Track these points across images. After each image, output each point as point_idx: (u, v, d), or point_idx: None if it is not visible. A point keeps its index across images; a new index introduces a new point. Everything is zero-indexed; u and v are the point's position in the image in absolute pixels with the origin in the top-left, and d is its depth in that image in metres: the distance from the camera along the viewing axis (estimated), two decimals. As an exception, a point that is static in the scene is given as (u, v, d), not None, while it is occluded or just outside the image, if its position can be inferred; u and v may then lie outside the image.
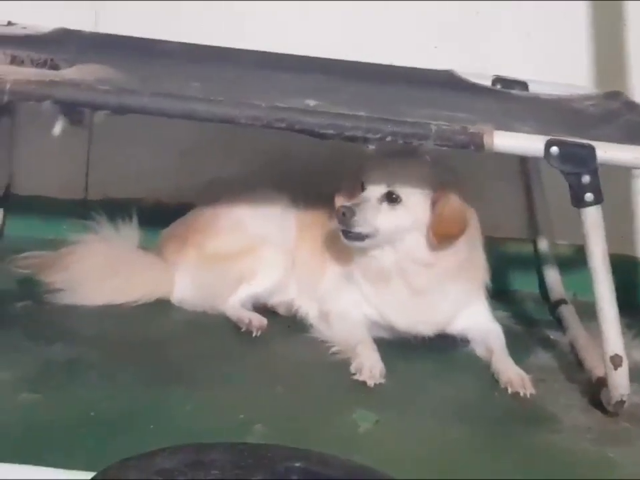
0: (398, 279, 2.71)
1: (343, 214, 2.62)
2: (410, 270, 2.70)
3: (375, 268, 2.72)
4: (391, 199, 2.67)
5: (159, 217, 3.03)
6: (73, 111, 2.41)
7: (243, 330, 2.74)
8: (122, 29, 3.06)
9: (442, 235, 2.66)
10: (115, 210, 2.98)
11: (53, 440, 2.13)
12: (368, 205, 2.65)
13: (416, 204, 2.68)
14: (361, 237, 2.65)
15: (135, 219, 2.93)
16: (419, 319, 2.73)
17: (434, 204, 2.67)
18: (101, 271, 2.78)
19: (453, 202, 2.66)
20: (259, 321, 2.77)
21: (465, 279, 2.75)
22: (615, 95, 2.99)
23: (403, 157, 2.67)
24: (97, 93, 2.38)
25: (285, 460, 1.88)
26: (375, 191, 2.68)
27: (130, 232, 2.92)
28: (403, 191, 2.67)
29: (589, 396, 2.57)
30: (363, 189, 2.70)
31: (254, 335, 2.73)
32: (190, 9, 3.14)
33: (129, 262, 2.85)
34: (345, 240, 2.66)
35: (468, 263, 2.74)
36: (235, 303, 2.82)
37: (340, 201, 2.72)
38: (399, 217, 2.67)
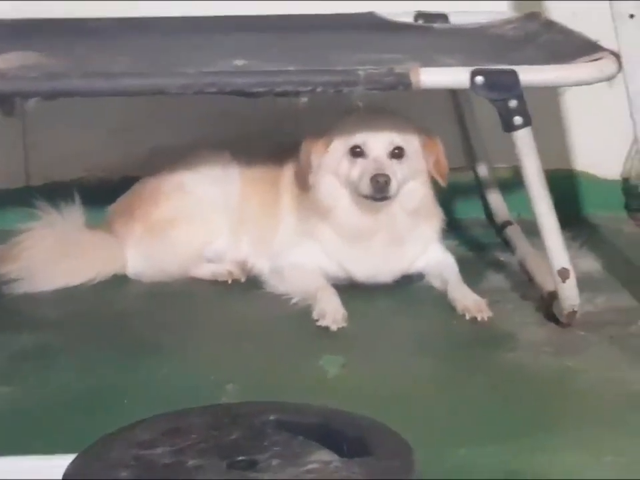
0: (383, 232, 2.76)
1: (379, 182, 2.63)
2: (400, 220, 2.76)
3: (362, 224, 2.75)
4: (396, 154, 2.71)
5: (103, 193, 3.05)
6: (3, 101, 2.42)
7: (229, 282, 2.85)
8: (40, 11, 3.06)
9: (445, 175, 2.76)
10: (59, 193, 2.98)
11: (32, 428, 2.16)
12: (387, 165, 2.68)
13: (415, 154, 2.74)
14: (387, 198, 2.69)
15: (77, 200, 2.93)
16: (384, 269, 2.79)
17: (425, 149, 2.75)
18: (53, 256, 2.81)
19: (440, 142, 2.77)
20: (235, 268, 2.86)
21: (429, 218, 2.82)
22: (533, 16, 3.04)
23: (376, 112, 2.71)
24: (26, 81, 2.39)
25: (260, 414, 1.92)
26: (380, 150, 2.70)
27: (75, 213, 2.92)
28: (405, 145, 2.72)
29: (542, 311, 2.65)
30: (359, 148, 2.70)
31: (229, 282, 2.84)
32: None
33: (78, 242, 2.87)
34: (373, 202, 2.69)
35: (431, 202, 2.82)
36: (200, 263, 2.88)
37: (316, 159, 2.73)
38: (406, 170, 2.72)
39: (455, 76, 2.47)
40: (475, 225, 3.24)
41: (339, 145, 2.74)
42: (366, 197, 2.68)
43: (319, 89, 2.44)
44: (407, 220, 2.77)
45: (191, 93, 2.43)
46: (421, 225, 2.80)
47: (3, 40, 2.80)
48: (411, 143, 2.74)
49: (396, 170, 2.69)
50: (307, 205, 2.80)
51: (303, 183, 2.77)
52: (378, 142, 2.71)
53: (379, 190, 2.65)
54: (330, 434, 1.86)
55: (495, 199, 3.24)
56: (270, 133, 3.00)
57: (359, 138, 2.71)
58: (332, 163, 2.74)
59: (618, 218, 3.27)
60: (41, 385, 2.34)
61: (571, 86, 2.53)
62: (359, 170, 2.70)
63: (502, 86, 2.43)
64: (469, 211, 3.29)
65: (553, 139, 3.28)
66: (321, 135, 2.76)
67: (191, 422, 1.90)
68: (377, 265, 2.79)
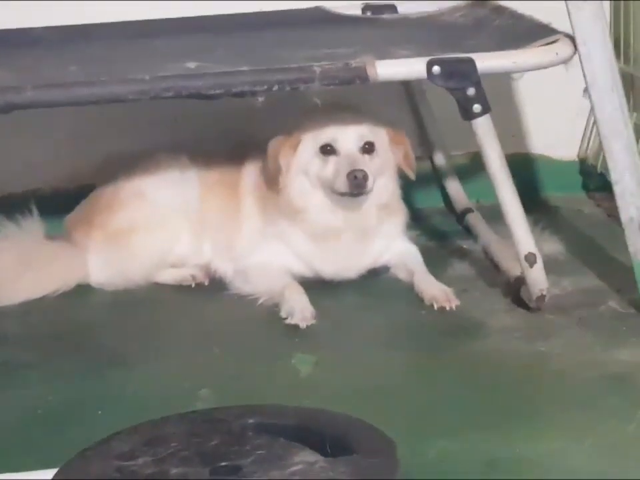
0: (353, 229, 2.75)
1: (357, 177, 2.61)
2: (370, 216, 2.75)
3: (334, 223, 2.72)
4: (367, 149, 2.70)
5: (60, 203, 3.02)
6: (-45, 116, 2.39)
7: (192, 286, 2.83)
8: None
9: (414, 169, 2.76)
10: (16, 205, 2.95)
11: (5, 444, 2.13)
12: (361, 160, 2.66)
13: (384, 148, 2.74)
14: (364, 194, 2.67)
15: (35, 211, 2.90)
16: (352, 265, 2.78)
17: (392, 143, 2.74)
18: (13, 269, 2.77)
19: (406, 136, 2.77)
20: (198, 271, 2.85)
21: (395, 213, 2.82)
22: (481, 3, 3.04)
23: (342, 109, 2.72)
24: (-23, 96, 2.36)
25: (238, 418, 1.91)
26: (352, 146, 2.68)
27: (33, 225, 2.89)
28: (375, 139, 2.71)
29: (510, 296, 2.65)
30: (330, 146, 2.68)
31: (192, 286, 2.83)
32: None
33: (37, 254, 2.83)
34: (349, 199, 2.68)
35: (397, 196, 2.82)
36: (162, 269, 2.86)
37: (286, 159, 2.70)
38: (377, 165, 2.71)
39: (412, 67, 2.47)
40: (435, 214, 3.25)
41: (308, 144, 2.72)
42: (342, 194, 2.67)
43: (275, 88, 2.43)
44: (376, 215, 2.76)
45: (147, 98, 2.41)
46: (387, 219, 2.80)
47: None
48: (380, 137, 2.74)
49: (368, 164, 2.68)
50: (272, 206, 2.78)
51: (273, 185, 2.74)
52: (349, 138, 2.69)
53: (356, 186, 2.63)
54: (311, 434, 1.86)
55: (454, 187, 3.25)
56: (226, 134, 2.98)
57: (328, 135, 2.70)
58: (302, 162, 2.72)
59: (577, 199, 3.30)
60: (10, 401, 2.31)
61: (529, 71, 2.53)
62: (332, 168, 2.68)
63: (459, 74, 2.43)
64: (428, 200, 3.29)
65: (508, 123, 3.29)
66: (287, 135, 2.74)
67: (169, 430, 1.89)
68: (345, 261, 2.78)
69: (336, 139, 2.69)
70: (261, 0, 3.13)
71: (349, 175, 2.63)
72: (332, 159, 2.69)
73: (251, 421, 1.91)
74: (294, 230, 2.77)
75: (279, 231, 2.78)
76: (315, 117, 2.71)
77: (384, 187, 2.75)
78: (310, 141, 2.72)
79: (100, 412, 2.23)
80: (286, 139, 2.73)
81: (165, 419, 1.94)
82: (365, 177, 2.63)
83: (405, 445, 1.86)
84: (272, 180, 2.74)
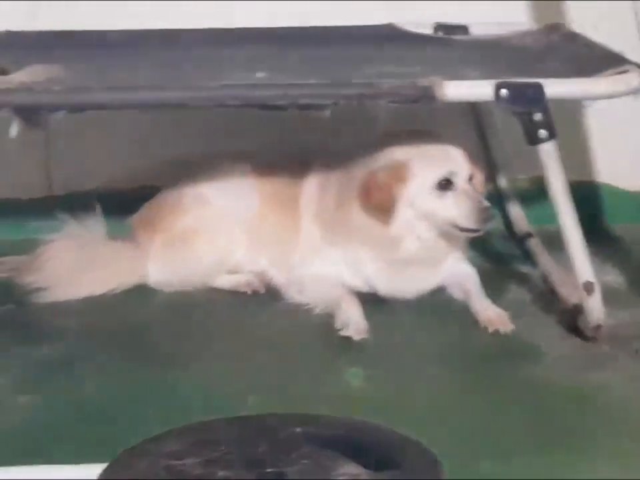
0: (431, 256, 2.74)
1: (488, 214, 2.61)
2: (450, 244, 2.74)
3: (427, 254, 2.71)
4: (470, 182, 2.68)
5: (124, 204, 3.05)
6: (29, 114, 2.44)
7: (248, 293, 2.85)
8: (62, 24, 3.07)
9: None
10: (81, 203, 2.99)
11: (58, 438, 2.17)
12: (476, 194, 2.64)
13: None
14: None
15: (99, 210, 2.94)
16: (414, 287, 2.78)
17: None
18: (75, 266, 2.82)
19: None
20: (254, 279, 2.87)
21: (454, 239, 2.79)
22: (554, 28, 3.04)
23: (433, 139, 2.71)
24: (53, 94, 2.40)
25: (286, 427, 1.93)
26: (465, 180, 2.65)
27: (97, 223, 2.93)
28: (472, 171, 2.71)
29: (566, 324, 2.64)
30: (446, 181, 2.64)
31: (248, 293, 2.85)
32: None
33: (100, 253, 2.88)
34: (469, 234, 2.69)
35: None
36: (220, 274, 2.89)
37: (397, 193, 2.62)
38: None
39: (479, 89, 2.47)
40: (495, 237, 3.22)
41: (424, 178, 2.65)
42: (465, 230, 2.65)
43: (341, 102, 2.44)
44: (449, 242, 2.76)
45: (213, 105, 2.44)
46: (453, 243, 2.79)
47: (26, 52, 2.81)
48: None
49: None
50: (338, 225, 2.76)
51: (387, 217, 2.66)
52: (464, 173, 2.66)
53: (484, 221, 2.62)
54: (356, 446, 1.87)
55: (515, 210, 3.24)
56: (291, 145, 3.00)
57: (445, 169, 2.65)
58: (412, 195, 2.66)
59: (641, 230, 3.27)
60: (64, 395, 2.34)
61: (597, 99, 2.52)
62: (453, 203, 2.64)
63: (527, 99, 2.42)
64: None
65: (575, 150, 3.27)
66: (392, 165, 2.67)
67: (218, 433, 1.92)
68: (409, 283, 2.78)
69: (454, 174, 2.66)
70: (333, 14, 3.15)
71: (480, 211, 2.61)
72: (450, 194, 2.66)
73: (298, 430, 1.92)
74: (368, 255, 2.75)
75: (349, 255, 2.76)
76: (422, 148, 2.68)
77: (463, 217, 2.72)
78: (425, 175, 2.66)
79: (151, 410, 2.26)
80: (395, 170, 2.66)
81: (215, 421, 1.97)
82: (492, 213, 2.62)
83: (450, 463, 1.87)
84: (385, 213, 2.66)
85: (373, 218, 2.68)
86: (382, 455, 1.84)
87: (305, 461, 1.83)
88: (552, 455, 2.10)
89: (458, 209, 2.64)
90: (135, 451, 1.86)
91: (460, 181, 2.66)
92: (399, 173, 2.66)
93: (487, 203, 2.62)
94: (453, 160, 2.68)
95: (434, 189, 2.66)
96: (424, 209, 2.67)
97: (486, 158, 3.26)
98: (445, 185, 2.66)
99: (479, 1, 3.21)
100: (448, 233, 2.70)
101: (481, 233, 2.68)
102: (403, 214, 2.68)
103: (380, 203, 2.66)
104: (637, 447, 2.14)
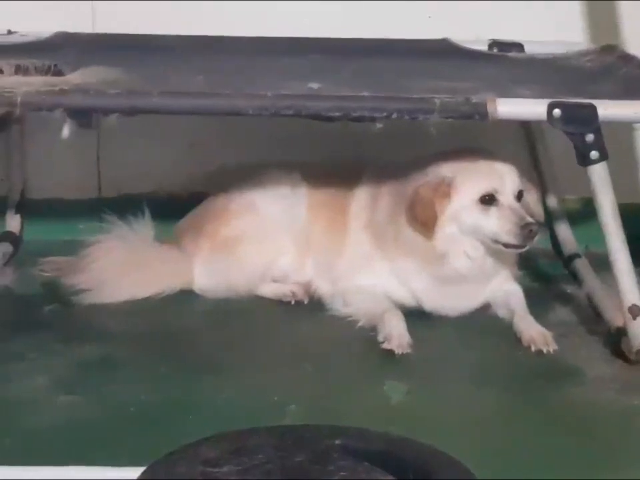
0: (479, 273, 2.73)
1: (533, 231, 2.60)
2: (497, 261, 2.74)
3: (472, 271, 2.71)
4: (518, 197, 2.68)
5: (173, 208, 3.08)
6: (82, 115, 2.46)
7: (292, 303, 2.85)
8: (120, 27, 3.10)
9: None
10: (129, 206, 3.02)
11: (96, 439, 2.19)
12: (521, 211, 2.63)
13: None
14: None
15: (147, 213, 2.96)
16: (460, 304, 2.77)
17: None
18: (120, 268, 2.84)
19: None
20: (298, 289, 2.87)
21: (508, 256, 2.79)
22: (610, 49, 3.02)
23: (480, 154, 2.71)
24: (107, 97, 2.43)
25: (325, 438, 1.92)
26: (511, 196, 2.65)
27: (145, 226, 2.95)
28: (522, 187, 2.70)
29: (610, 347, 2.62)
30: (490, 196, 2.64)
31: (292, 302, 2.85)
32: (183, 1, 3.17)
33: (146, 256, 2.90)
34: (513, 250, 2.68)
35: None
36: (265, 282, 2.90)
37: (438, 205, 2.63)
38: None
39: (532, 108, 2.46)
40: (541, 256, 3.21)
41: (466, 193, 2.66)
42: (509, 245, 2.64)
43: (394, 116, 2.44)
44: (497, 260, 2.75)
45: (267, 114, 2.44)
46: (502, 262, 2.78)
47: (82, 54, 2.84)
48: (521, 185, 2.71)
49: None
50: (389, 238, 2.76)
51: (429, 231, 2.67)
52: (508, 187, 2.66)
53: (527, 238, 2.61)
54: (394, 461, 1.86)
55: (563, 230, 3.22)
56: (342, 156, 3.01)
57: (489, 185, 2.65)
58: (456, 210, 2.67)
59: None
60: (105, 397, 2.36)
61: (649, 123, 2.51)
62: (496, 219, 2.64)
63: (580, 120, 2.41)
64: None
65: (626, 172, 3.25)
66: (438, 181, 2.67)
67: (256, 442, 1.91)
68: (456, 301, 2.77)
69: (497, 189, 2.65)
70: (389, 27, 3.15)
71: (523, 227, 2.60)
72: (493, 210, 2.65)
73: (337, 442, 1.92)
74: (416, 270, 2.75)
75: (397, 268, 2.77)
76: (466, 162, 2.69)
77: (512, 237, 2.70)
78: (469, 190, 2.66)
79: (190, 416, 2.27)
80: (439, 185, 2.67)
81: (253, 430, 1.96)
82: (538, 230, 2.61)
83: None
84: (426, 226, 2.67)
85: (418, 232, 2.68)
86: (419, 470, 1.83)
87: (343, 473, 1.82)
88: (591, 476, 2.08)
89: (500, 225, 2.63)
90: (173, 456, 1.86)
91: (504, 197, 2.65)
92: (442, 189, 2.66)
93: (530, 220, 2.61)
94: (497, 176, 2.67)
95: (477, 204, 2.66)
96: (468, 224, 2.67)
97: (536, 177, 3.25)
98: (489, 200, 2.65)
99: (536, 19, 3.19)
100: (493, 249, 2.69)
101: (524, 249, 2.66)
102: (448, 229, 2.68)
103: (423, 218, 2.67)
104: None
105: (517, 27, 3.19)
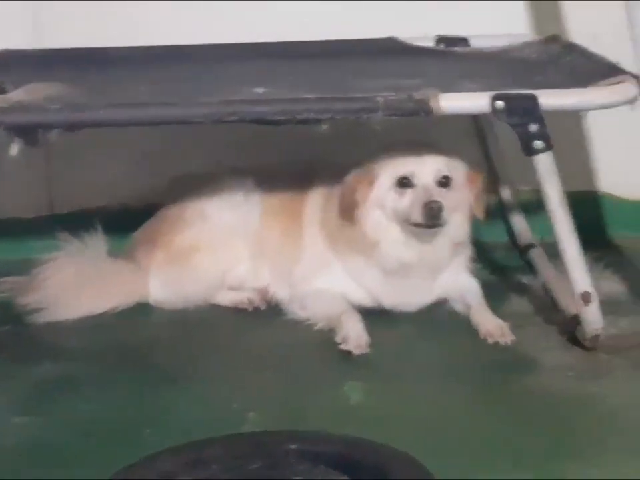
0: (425, 264, 2.75)
1: (433, 208, 2.62)
2: (443, 252, 2.75)
3: (408, 257, 2.72)
4: (443, 183, 2.70)
5: (126, 221, 3.07)
6: (26, 133, 2.44)
7: (249, 310, 2.85)
8: (63, 41, 3.09)
9: (484, 211, 2.77)
10: (83, 221, 2.99)
11: (54, 458, 2.17)
12: (436, 192, 2.66)
13: (460, 185, 2.74)
14: (439, 225, 2.67)
15: (100, 228, 2.93)
16: (416, 299, 2.79)
17: (469, 183, 2.75)
18: (75, 285, 2.82)
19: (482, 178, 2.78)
20: (255, 295, 2.87)
21: (463, 249, 2.82)
22: (554, 39, 3.04)
23: (419, 145, 2.74)
24: (48, 113, 2.41)
25: (281, 444, 1.93)
26: (429, 179, 2.68)
27: (98, 241, 2.93)
28: (451, 174, 2.72)
29: (566, 335, 2.63)
30: (406, 179, 2.68)
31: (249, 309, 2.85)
32: (125, 12, 3.16)
33: (100, 271, 2.88)
34: (424, 230, 2.68)
35: (467, 232, 2.82)
36: (221, 291, 2.89)
37: (362, 193, 2.70)
38: (452, 199, 2.71)
39: (475, 101, 2.47)
40: (498, 248, 3.23)
41: (385, 178, 2.72)
42: (418, 225, 2.67)
43: (338, 116, 2.44)
44: (449, 251, 2.76)
45: (212, 121, 2.44)
46: (456, 255, 2.80)
47: (26, 71, 2.83)
48: (456, 173, 2.73)
49: (444, 198, 2.67)
50: (342, 240, 2.78)
51: (349, 218, 2.73)
52: (426, 171, 2.69)
53: (432, 217, 2.63)
54: (351, 463, 1.87)
55: (518, 222, 3.23)
56: (293, 160, 3.00)
57: (406, 168, 2.70)
58: (379, 196, 2.72)
59: (643, 239, 3.26)
60: (62, 415, 2.34)
61: (592, 110, 2.51)
62: (409, 199, 2.68)
63: (522, 110, 2.42)
64: (492, 234, 3.27)
65: (577, 160, 3.27)
66: (364, 170, 2.74)
67: (212, 452, 1.91)
68: (411, 295, 2.79)
69: (413, 172, 2.69)
70: (335, 28, 3.15)
71: (424, 205, 2.63)
72: (408, 192, 2.69)
73: (293, 446, 1.92)
74: (365, 265, 2.77)
75: (349, 266, 2.79)
76: (392, 152, 2.73)
77: (459, 223, 2.75)
78: (387, 175, 2.72)
79: (149, 430, 2.26)
80: (363, 173, 2.74)
81: (209, 440, 1.97)
82: (440, 208, 2.62)
83: (446, 478, 1.86)
84: (348, 214, 2.73)
85: (344, 221, 2.74)
86: (375, 470, 1.83)
87: (299, 478, 1.83)
88: (551, 466, 2.09)
89: (410, 204, 2.67)
90: (129, 470, 1.85)
91: (421, 180, 2.68)
92: (367, 176, 2.73)
93: (438, 200, 2.63)
94: (415, 161, 2.70)
95: (395, 187, 2.71)
96: (388, 207, 2.72)
97: (489, 169, 3.26)
98: (406, 183, 2.70)
99: (482, 13, 3.20)
100: (413, 232, 2.70)
101: (432, 229, 2.67)
102: (373, 214, 2.73)
103: (344, 205, 2.74)
104: (632, 457, 2.12)
105: (463, 22, 3.19)
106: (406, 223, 2.69)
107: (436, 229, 2.68)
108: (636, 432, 2.24)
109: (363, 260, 2.77)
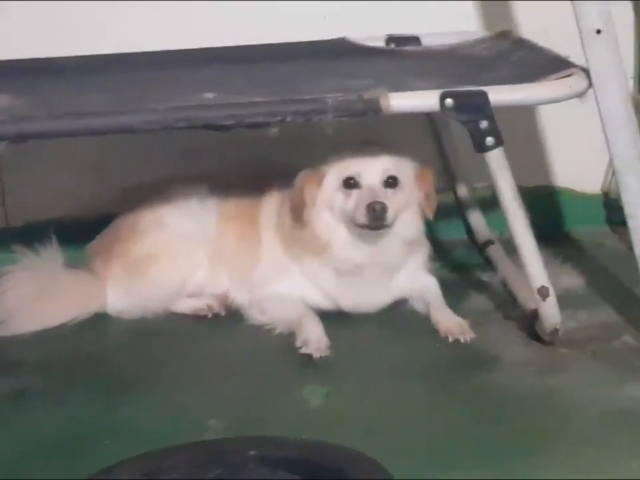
0: (377, 264, 2.74)
1: (376, 209, 2.61)
2: (394, 251, 2.74)
3: (359, 258, 2.72)
4: (390, 183, 2.69)
5: (82, 232, 3.04)
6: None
7: (209, 316, 2.84)
8: (9, 52, 3.06)
9: (434, 209, 2.75)
10: (38, 233, 2.96)
11: (12, 471, 2.14)
12: (381, 193, 2.66)
13: (409, 184, 2.73)
14: (384, 226, 2.66)
15: (55, 240, 2.90)
16: (373, 299, 2.78)
17: (418, 181, 2.74)
18: (31, 298, 2.79)
19: (432, 175, 2.76)
20: (214, 302, 2.85)
21: (419, 248, 2.81)
22: (504, 35, 3.04)
23: (367, 145, 2.73)
24: (-8, 125, 2.38)
25: (240, 451, 1.92)
26: (374, 179, 2.68)
27: (52, 253, 2.89)
28: (399, 174, 2.71)
29: (526, 330, 2.63)
30: (352, 180, 2.68)
31: (209, 316, 2.84)
32: (69, 22, 3.13)
33: (57, 283, 2.85)
34: (369, 232, 2.68)
35: (422, 232, 2.82)
36: (180, 298, 2.87)
37: (311, 194, 2.71)
38: (400, 199, 2.70)
39: (425, 99, 2.46)
40: (456, 246, 3.23)
41: (332, 179, 2.71)
42: (362, 226, 2.66)
43: (288, 119, 2.43)
44: (401, 251, 2.76)
45: (160, 128, 2.42)
46: (411, 255, 2.79)
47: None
48: (405, 173, 2.72)
49: (391, 198, 2.67)
50: (296, 242, 2.77)
51: (298, 219, 2.73)
52: (371, 172, 2.68)
53: (375, 218, 2.62)
54: (310, 466, 1.86)
55: (476, 219, 3.23)
56: (248, 165, 2.99)
57: (352, 169, 2.69)
58: (327, 197, 2.72)
59: (600, 232, 3.26)
60: (18, 430, 2.31)
61: (541, 104, 2.52)
62: (354, 200, 2.67)
63: (472, 107, 2.42)
64: (450, 231, 3.27)
65: (533, 155, 3.28)
66: (313, 170, 2.74)
67: (170, 461, 1.90)
68: (368, 296, 2.78)
69: (359, 173, 2.69)
70: (285, 31, 3.14)
71: (368, 207, 2.63)
72: (354, 193, 2.69)
73: (252, 452, 1.91)
74: (319, 266, 2.76)
75: (304, 268, 2.78)
76: (340, 152, 2.73)
77: (409, 222, 2.74)
78: (334, 175, 2.72)
79: (108, 441, 2.24)
80: (311, 174, 2.74)
81: (167, 449, 1.96)
82: (384, 209, 2.62)
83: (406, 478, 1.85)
84: (297, 214, 2.73)
85: (294, 222, 2.74)
86: (336, 474, 1.82)
87: (258, 484, 1.81)
88: (510, 463, 2.09)
89: (354, 206, 2.66)
90: (85, 483, 1.84)
91: (366, 180, 2.68)
92: (315, 177, 2.73)
93: (382, 201, 2.62)
94: (361, 161, 2.70)
95: (341, 188, 2.71)
96: (335, 208, 2.72)
97: (445, 167, 3.26)
98: (352, 184, 2.69)
99: (432, 11, 3.21)
100: (358, 233, 2.69)
101: (376, 231, 2.67)
102: (322, 215, 2.73)
103: (293, 205, 2.74)
104: (593, 450, 2.13)
105: (415, 21, 3.19)
106: (352, 224, 2.69)
107: (381, 230, 2.67)
108: (595, 424, 2.24)
109: (317, 262, 2.76)
